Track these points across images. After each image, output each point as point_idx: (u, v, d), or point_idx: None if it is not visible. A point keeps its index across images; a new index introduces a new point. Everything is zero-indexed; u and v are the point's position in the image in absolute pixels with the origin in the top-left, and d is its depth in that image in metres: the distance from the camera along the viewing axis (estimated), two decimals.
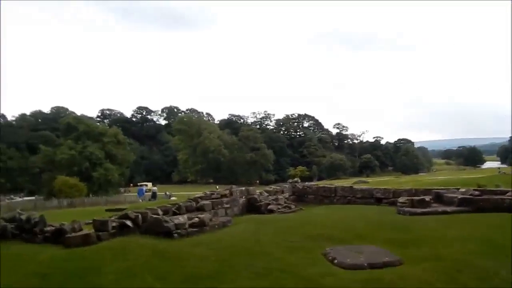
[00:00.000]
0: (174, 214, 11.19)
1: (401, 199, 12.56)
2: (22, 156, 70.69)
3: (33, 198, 51.67)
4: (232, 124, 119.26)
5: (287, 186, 17.79)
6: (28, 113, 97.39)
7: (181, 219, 9.61)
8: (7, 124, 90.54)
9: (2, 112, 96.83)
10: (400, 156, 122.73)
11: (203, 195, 13.10)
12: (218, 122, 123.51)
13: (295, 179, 19.52)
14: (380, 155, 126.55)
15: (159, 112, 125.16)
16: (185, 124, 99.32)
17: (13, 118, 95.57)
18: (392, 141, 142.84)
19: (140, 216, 9.78)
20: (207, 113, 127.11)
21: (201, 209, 11.92)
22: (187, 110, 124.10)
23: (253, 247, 7.51)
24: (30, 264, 6.49)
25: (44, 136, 74.58)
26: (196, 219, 9.98)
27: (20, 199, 53.50)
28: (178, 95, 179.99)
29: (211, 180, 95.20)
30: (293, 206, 14.52)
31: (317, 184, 18.48)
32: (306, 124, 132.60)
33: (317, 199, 16.72)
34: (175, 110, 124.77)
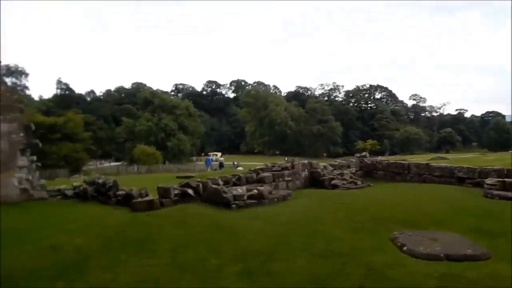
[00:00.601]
0: (235, 184, 11.14)
1: (489, 181, 10.85)
2: (109, 127, 78.35)
3: (119, 164, 57.32)
4: (299, 96, 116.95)
5: (354, 160, 16.72)
6: (112, 89, 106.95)
7: (240, 190, 9.46)
8: (96, 99, 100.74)
9: (91, 88, 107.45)
10: (488, 131, 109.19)
11: (264, 167, 12.85)
12: (285, 94, 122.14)
13: (363, 153, 18.27)
14: (463, 129, 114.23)
15: (228, 86, 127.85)
16: (252, 97, 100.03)
17: (101, 94, 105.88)
18: (478, 114, 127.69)
19: (200, 185, 9.87)
20: (274, 86, 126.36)
21: (261, 181, 11.70)
22: (254, 83, 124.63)
23: (312, 224, 7.01)
24: (98, 227, 6.85)
25: (126, 109, 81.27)
26: (255, 191, 9.76)
27: (108, 164, 59.78)
28: (245, 68, 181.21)
29: (278, 152, 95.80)
30: (359, 182, 13.58)
31: (387, 160, 17.05)
32: (378, 96, 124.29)
33: (388, 176, 15.43)
34: (243, 83, 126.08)
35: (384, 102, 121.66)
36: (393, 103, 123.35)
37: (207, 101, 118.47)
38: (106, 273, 4.56)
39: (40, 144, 11.39)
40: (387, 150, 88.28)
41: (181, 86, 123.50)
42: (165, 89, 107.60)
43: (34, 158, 11.68)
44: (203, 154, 76.24)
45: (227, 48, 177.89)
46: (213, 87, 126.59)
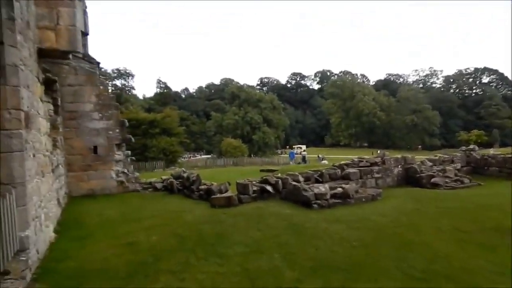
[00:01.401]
0: (317, 181, 10.29)
1: None
2: (201, 122, 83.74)
3: (209, 156, 60.73)
4: (390, 85, 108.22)
5: (459, 154, 14.29)
6: (204, 85, 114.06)
7: (322, 188, 8.59)
8: (190, 96, 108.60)
9: (185, 86, 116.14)
10: None
11: (349, 162, 11.68)
12: (373, 83, 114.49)
13: (471, 146, 15.53)
14: None
15: (312, 77, 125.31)
16: (338, 87, 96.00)
17: (194, 91, 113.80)
18: None
19: (280, 182, 9.29)
20: (361, 75, 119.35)
21: (346, 178, 10.61)
22: (340, 72, 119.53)
23: (408, 233, 5.84)
24: (176, 223, 6.77)
25: (216, 105, 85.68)
26: (340, 189, 8.79)
27: (199, 156, 63.75)
28: (331, 58, 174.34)
29: (365, 144, 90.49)
30: (466, 181, 11.45)
31: (503, 154, 14.14)
32: (485, 80, 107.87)
33: (504, 173, 12.77)
34: (328, 73, 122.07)
35: (493, 87, 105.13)
36: (505, 87, 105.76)
37: (292, 93, 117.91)
38: (173, 278, 4.28)
39: (133, 139, 12.19)
40: (497, 141, 76.14)
41: (266, 80, 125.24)
42: (251, 83, 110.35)
43: (129, 152, 12.55)
44: (287, 147, 76.20)
45: (313, 38, 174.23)
46: (298, 79, 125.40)
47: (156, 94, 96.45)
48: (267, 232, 6.07)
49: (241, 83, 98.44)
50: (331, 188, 8.95)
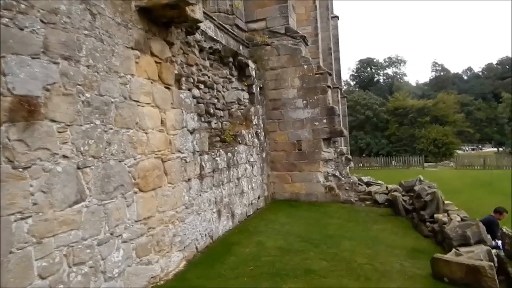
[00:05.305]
0: None
1: None
2: (489, 107, 65.21)
3: (498, 150, 45.96)
4: None
5: None
6: (495, 61, 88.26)
7: None
8: (474, 76, 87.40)
9: (469, 65, 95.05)
10: None
11: None
12: None
13: None
14: None
15: None
16: None
17: (479, 69, 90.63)
18: None
19: None
20: None
21: None
22: None
23: None
24: None
25: (510, 84, 63.84)
26: None
27: (484, 150, 49.62)
28: None
29: None
30: None
31: None
32: None
33: None
34: None
35: None
36: None
37: None
38: None
39: (345, 133, 8.77)
40: None
41: None
42: None
43: (344, 149, 9.28)
44: None
45: None
46: None
47: (431, 79, 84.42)
48: None
49: None
50: None
